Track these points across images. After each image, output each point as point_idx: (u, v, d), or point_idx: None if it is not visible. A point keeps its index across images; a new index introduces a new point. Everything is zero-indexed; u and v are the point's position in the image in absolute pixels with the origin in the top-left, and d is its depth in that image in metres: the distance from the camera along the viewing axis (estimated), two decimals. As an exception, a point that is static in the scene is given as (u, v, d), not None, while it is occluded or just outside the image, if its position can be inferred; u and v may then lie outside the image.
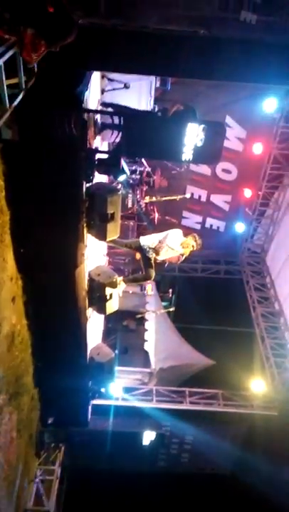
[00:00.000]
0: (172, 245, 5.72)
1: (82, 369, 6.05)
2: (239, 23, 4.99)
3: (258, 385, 8.86)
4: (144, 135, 4.26)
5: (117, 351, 8.15)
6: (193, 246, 5.75)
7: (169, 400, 8.46)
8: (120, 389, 8.22)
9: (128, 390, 8.41)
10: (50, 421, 6.86)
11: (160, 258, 5.83)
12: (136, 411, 8.16)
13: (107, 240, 5.40)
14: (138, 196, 8.88)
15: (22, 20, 3.02)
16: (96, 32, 4.26)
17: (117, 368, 6.87)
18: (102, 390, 6.71)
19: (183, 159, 4.43)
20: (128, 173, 6.66)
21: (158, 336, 9.24)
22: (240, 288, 11.43)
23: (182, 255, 5.83)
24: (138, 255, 5.98)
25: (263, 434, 8.35)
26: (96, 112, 5.03)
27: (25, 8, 2.97)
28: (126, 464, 9.06)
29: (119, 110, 5.07)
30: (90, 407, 7.10)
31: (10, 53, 3.20)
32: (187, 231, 6.08)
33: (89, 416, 7.15)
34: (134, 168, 8.70)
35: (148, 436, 8.67)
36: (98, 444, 8.33)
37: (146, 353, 9.08)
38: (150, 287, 10.20)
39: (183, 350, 9.63)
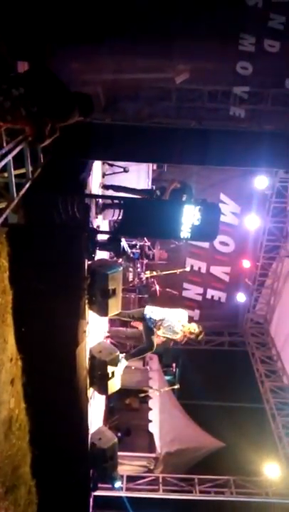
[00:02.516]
0: (174, 327, 5.74)
1: (83, 457, 5.67)
2: (227, 114, 5.52)
3: (272, 470, 8.18)
4: (143, 217, 4.48)
5: (119, 434, 7.68)
6: (194, 330, 5.76)
7: (177, 489, 7.76)
8: (124, 478, 7.60)
9: (132, 478, 7.77)
10: (47, 517, 6.25)
11: (159, 333, 5.83)
12: (141, 502, 7.45)
13: (109, 315, 5.40)
14: (139, 269, 9.02)
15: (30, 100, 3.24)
16: (97, 126, 4.68)
17: (119, 454, 6.41)
18: (104, 479, 6.21)
19: (181, 237, 4.60)
20: (128, 250, 6.89)
21: (163, 415, 8.73)
22: (246, 360, 11.08)
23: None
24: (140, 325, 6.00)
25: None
26: (97, 196, 5.35)
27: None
28: None
29: (119, 197, 5.38)
30: (91, 500, 6.53)
31: (18, 149, 3.49)
32: (188, 302, 6.11)
33: (90, 510, 6.55)
34: (134, 242, 8.97)
35: (155, 533, 7.82)
36: None
37: (150, 434, 8.52)
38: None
39: (190, 431, 9.04)
